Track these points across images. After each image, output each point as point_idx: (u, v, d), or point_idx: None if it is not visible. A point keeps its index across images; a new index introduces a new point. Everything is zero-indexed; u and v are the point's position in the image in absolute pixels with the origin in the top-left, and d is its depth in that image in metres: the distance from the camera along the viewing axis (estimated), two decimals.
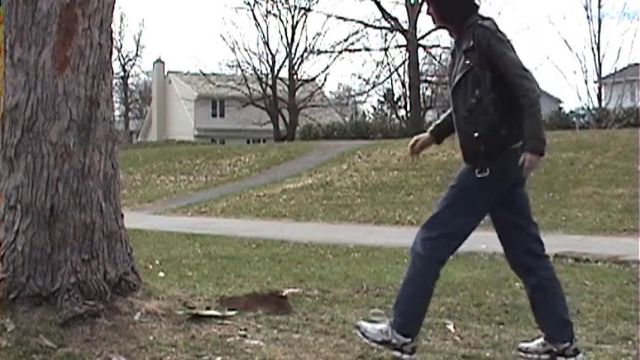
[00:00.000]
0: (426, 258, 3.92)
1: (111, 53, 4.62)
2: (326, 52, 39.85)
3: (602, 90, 35.88)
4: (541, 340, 4.07)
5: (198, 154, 29.22)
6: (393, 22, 37.12)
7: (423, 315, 3.99)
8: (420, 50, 37.28)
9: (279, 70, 41.58)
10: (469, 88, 3.84)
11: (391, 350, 3.91)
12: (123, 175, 19.41)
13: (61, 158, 4.33)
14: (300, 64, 41.48)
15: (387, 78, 40.42)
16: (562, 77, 67.92)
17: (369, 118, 48.44)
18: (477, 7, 3.96)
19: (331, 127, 37.02)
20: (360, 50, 38.60)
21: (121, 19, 59.53)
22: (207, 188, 22.82)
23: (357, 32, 38.18)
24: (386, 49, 38.22)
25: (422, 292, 3.94)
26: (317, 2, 39.86)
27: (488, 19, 3.92)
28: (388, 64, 39.07)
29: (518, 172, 3.85)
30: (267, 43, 41.10)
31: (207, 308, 4.79)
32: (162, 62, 55.56)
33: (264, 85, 40.93)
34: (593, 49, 35.44)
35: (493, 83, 3.78)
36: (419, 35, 36.14)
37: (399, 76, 40.07)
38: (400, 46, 38.03)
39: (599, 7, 35.62)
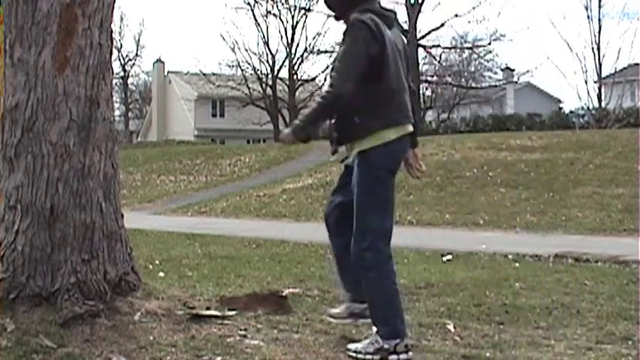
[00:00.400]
0: (373, 267, 3.97)
1: (111, 53, 4.62)
2: (326, 52, 39.87)
3: (602, 90, 35.87)
4: (345, 304, 4.33)
5: (198, 154, 29.23)
6: None
7: (402, 312, 4.02)
8: (420, 50, 37.28)
9: (279, 70, 41.60)
10: None
11: (387, 356, 3.93)
12: (123, 175, 19.42)
13: (61, 158, 4.33)
14: (300, 64, 41.50)
15: None
16: (562, 77, 67.83)
17: None
18: (363, 1, 3.98)
19: None
20: None
21: (121, 19, 59.47)
22: (207, 188, 22.82)
23: None
24: None
25: (389, 295, 3.99)
26: (317, 2, 39.94)
27: (370, 11, 3.91)
28: None
29: (387, 164, 4.02)
30: (267, 43, 41.13)
31: (207, 308, 4.79)
32: (163, 62, 55.56)
33: (264, 85, 40.92)
34: (593, 49, 35.47)
35: None
36: (419, 35, 36.14)
37: None
38: None
39: (600, 7, 35.68)
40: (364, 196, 4.00)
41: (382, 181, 4.04)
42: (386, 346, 3.92)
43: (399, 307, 3.99)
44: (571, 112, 34.24)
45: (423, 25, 37.54)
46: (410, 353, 3.96)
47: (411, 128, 4.07)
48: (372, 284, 3.97)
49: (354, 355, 4.01)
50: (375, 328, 4.06)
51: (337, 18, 4.13)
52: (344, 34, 3.90)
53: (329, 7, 4.14)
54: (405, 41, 4.20)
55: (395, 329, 3.94)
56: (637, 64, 38.81)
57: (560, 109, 40.71)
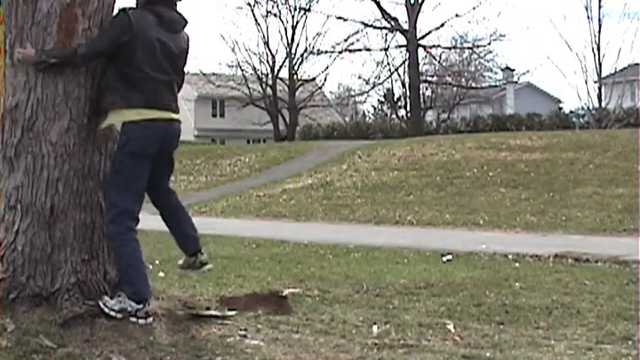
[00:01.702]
0: (115, 237, 4.39)
1: None
2: (326, 52, 39.85)
3: (602, 90, 35.82)
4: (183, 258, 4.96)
5: (198, 154, 29.20)
6: (393, 22, 37.10)
7: (145, 278, 4.45)
8: (420, 50, 37.26)
9: (279, 70, 41.53)
10: None
11: (128, 317, 4.24)
12: None
13: (61, 158, 4.33)
14: (300, 64, 41.46)
15: (387, 78, 40.38)
16: (562, 77, 67.60)
17: (369, 118, 48.42)
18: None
19: (331, 127, 36.99)
20: (360, 50, 38.56)
21: None
22: (207, 188, 22.82)
23: (357, 32, 38.16)
24: (386, 49, 38.21)
25: (131, 261, 4.41)
26: (317, 2, 39.86)
27: (151, 11, 4.42)
28: (388, 64, 39.04)
29: (132, 147, 4.36)
30: (267, 43, 41.05)
31: (207, 308, 4.80)
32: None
33: (264, 85, 40.87)
34: (593, 49, 35.38)
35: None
36: (419, 35, 36.13)
37: (399, 76, 40.03)
38: (400, 46, 38.02)
39: (600, 7, 35.54)
40: (111, 172, 4.44)
41: (128, 161, 4.38)
42: (129, 309, 4.26)
43: (141, 272, 4.43)
44: (571, 112, 34.19)
45: (423, 25, 37.52)
46: (149, 319, 4.30)
47: (162, 114, 4.43)
48: (117, 251, 4.41)
49: (102, 306, 4.23)
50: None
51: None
52: (114, 16, 4.47)
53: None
54: (185, 48, 4.66)
55: (139, 291, 4.32)
56: (637, 64, 38.74)
57: (560, 109, 40.64)
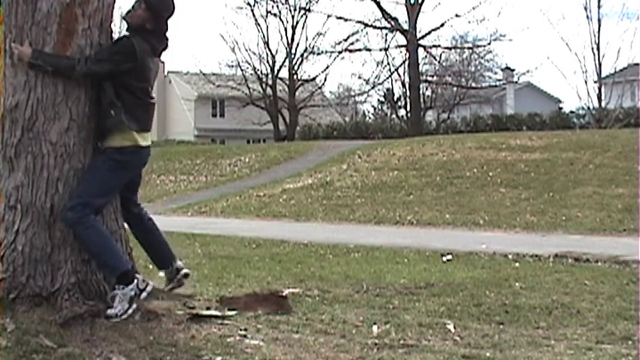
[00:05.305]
0: (76, 223, 4.31)
1: None
2: (326, 52, 39.83)
3: (602, 90, 35.79)
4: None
5: (198, 154, 29.22)
6: (393, 22, 37.08)
7: (119, 252, 4.48)
8: (420, 50, 37.25)
9: (279, 70, 41.53)
10: None
11: (138, 299, 4.32)
12: None
13: (61, 158, 4.33)
14: (300, 64, 41.46)
15: (387, 78, 40.36)
16: (562, 77, 67.47)
17: (369, 118, 48.39)
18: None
19: (331, 127, 36.96)
20: (360, 50, 38.54)
21: (121, 19, 59.38)
22: (207, 188, 22.81)
23: (357, 32, 38.15)
24: (386, 49, 38.19)
25: (99, 240, 4.36)
26: (317, 2, 39.86)
27: (145, 40, 4.55)
28: (388, 64, 39.02)
29: (127, 158, 4.51)
30: (267, 43, 41.05)
31: (207, 308, 4.79)
32: (162, 62, 55.42)
33: (264, 85, 40.87)
34: (593, 49, 35.35)
35: None
36: (419, 35, 36.12)
37: (399, 76, 40.01)
38: (400, 46, 38.00)
39: (599, 7, 35.51)
40: (90, 168, 4.42)
41: (111, 166, 4.44)
42: (132, 293, 4.31)
43: (114, 247, 4.44)
44: (571, 112, 34.20)
45: (423, 25, 37.50)
46: (150, 284, 4.47)
47: (147, 141, 4.65)
48: (83, 238, 4.35)
49: (117, 319, 4.22)
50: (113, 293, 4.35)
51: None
52: (116, 40, 4.59)
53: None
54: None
55: (118, 265, 4.36)
56: (637, 64, 38.72)
57: (560, 109, 40.66)
